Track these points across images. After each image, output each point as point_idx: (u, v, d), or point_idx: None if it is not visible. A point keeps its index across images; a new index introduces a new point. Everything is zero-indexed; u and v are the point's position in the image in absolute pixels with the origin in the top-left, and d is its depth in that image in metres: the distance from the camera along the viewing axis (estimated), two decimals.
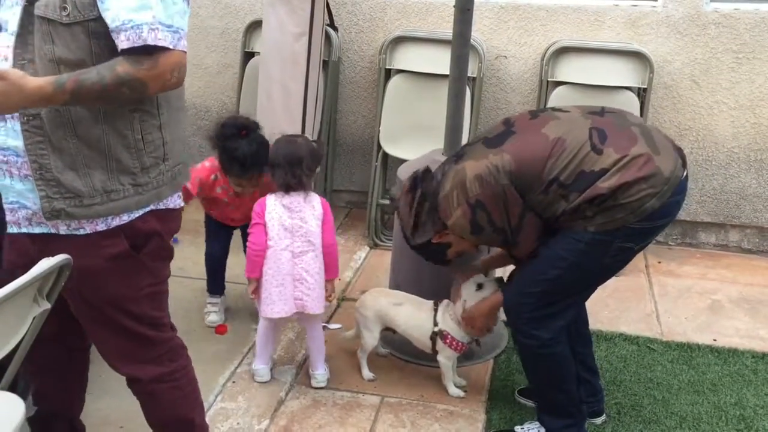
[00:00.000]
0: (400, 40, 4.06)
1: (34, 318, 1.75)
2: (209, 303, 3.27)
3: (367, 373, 2.90)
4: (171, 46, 1.66)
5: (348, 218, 4.44)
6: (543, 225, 2.32)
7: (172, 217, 1.96)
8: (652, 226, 2.27)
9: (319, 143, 2.66)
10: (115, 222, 1.82)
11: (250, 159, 2.78)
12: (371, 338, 2.85)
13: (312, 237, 2.67)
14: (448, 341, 2.72)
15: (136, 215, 1.84)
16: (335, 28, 4.14)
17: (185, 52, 1.71)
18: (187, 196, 2.82)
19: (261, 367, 2.85)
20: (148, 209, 1.86)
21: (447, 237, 2.45)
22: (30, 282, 1.64)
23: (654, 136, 2.30)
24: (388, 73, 4.10)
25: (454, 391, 2.81)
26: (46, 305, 1.75)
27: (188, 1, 1.76)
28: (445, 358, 2.77)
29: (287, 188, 2.66)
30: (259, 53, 4.09)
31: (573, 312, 2.47)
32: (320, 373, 2.86)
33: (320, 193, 4.18)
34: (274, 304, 2.68)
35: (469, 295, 2.65)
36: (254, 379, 2.84)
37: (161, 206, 1.89)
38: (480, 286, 2.65)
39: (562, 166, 2.22)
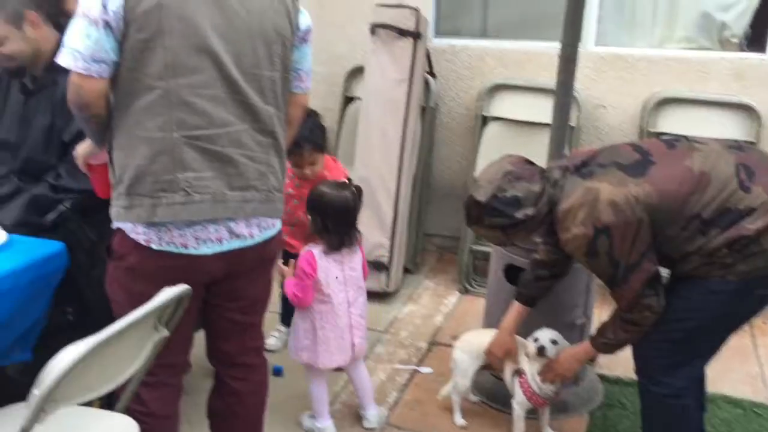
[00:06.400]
0: (497, 88, 4.10)
1: (153, 345, 1.84)
2: (278, 330, 3.43)
3: (459, 418, 2.86)
4: (67, 65, 1.77)
5: (439, 263, 4.45)
6: (658, 273, 2.22)
7: (129, 245, 1.91)
8: None
9: (359, 190, 2.64)
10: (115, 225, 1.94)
11: (301, 138, 2.73)
12: (465, 379, 2.79)
13: (361, 282, 2.69)
14: (521, 381, 2.64)
15: (117, 225, 1.92)
16: (434, 75, 4.23)
17: (80, 74, 1.77)
18: None
19: (327, 425, 2.76)
20: (116, 224, 1.92)
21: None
22: (152, 311, 1.74)
23: None
24: (485, 120, 4.14)
25: None
26: (165, 333, 1.84)
27: (102, 25, 1.74)
28: (517, 404, 2.67)
29: (341, 246, 2.60)
30: (358, 98, 4.21)
31: (707, 360, 2.35)
32: (372, 414, 2.80)
33: (412, 236, 4.23)
34: (333, 355, 2.64)
35: (537, 360, 2.58)
36: None
37: (124, 226, 1.90)
38: (542, 350, 2.56)
39: (705, 202, 2.12)
